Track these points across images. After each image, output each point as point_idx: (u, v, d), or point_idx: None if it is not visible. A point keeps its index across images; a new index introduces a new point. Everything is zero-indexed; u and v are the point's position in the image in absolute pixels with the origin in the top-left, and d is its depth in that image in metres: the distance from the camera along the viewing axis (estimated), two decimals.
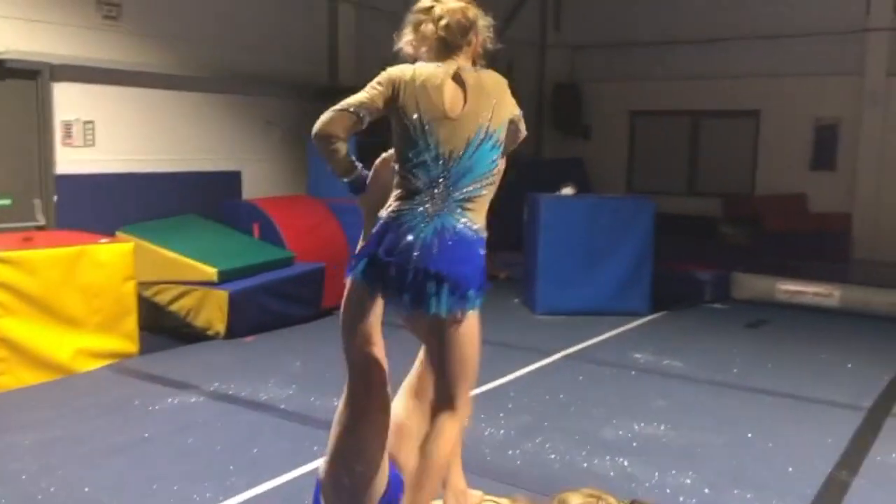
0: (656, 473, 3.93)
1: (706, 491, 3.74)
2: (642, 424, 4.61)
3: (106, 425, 4.41)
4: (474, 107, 2.37)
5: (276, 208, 7.62)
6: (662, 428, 4.56)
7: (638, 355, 6.25)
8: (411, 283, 2.28)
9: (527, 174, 10.26)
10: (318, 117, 2.35)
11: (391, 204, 2.34)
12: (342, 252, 7.81)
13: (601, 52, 12.34)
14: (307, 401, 4.91)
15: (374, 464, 2.38)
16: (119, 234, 6.51)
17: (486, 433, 4.33)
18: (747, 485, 3.80)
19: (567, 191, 7.72)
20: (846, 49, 10.58)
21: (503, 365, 5.73)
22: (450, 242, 2.31)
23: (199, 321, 6.38)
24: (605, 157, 12.43)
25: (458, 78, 2.38)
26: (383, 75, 2.38)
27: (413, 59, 2.46)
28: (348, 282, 2.45)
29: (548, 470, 3.95)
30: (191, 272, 6.36)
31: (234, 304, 6.24)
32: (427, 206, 2.32)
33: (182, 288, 6.43)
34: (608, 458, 4.11)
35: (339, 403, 2.51)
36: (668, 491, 3.73)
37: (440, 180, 2.33)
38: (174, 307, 6.48)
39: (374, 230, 2.35)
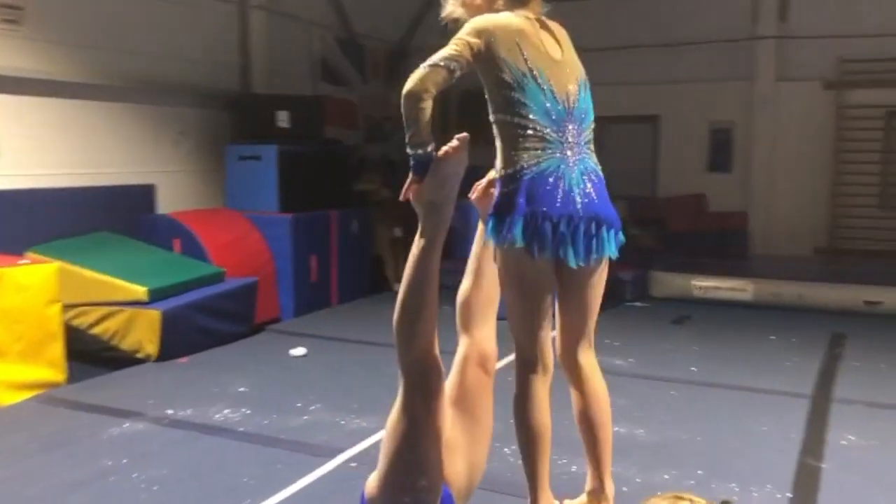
0: (638, 472, 3.97)
1: (692, 483, 3.82)
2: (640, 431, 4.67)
3: (55, 461, 4.06)
4: (569, 52, 2.37)
5: (197, 222, 7.28)
6: (632, 427, 4.63)
7: None
8: (585, 233, 2.20)
9: None
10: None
11: (519, 158, 2.20)
12: (267, 265, 7.56)
13: None
14: (265, 422, 4.69)
15: (437, 477, 2.26)
16: (29, 254, 6.03)
17: None
18: (728, 477, 3.90)
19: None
20: (737, 56, 11.15)
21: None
22: (598, 185, 2.28)
23: (127, 344, 5.99)
24: None
25: (544, 25, 2.35)
26: (469, 28, 2.26)
27: (467, 18, 2.37)
28: (498, 255, 2.31)
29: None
30: (117, 292, 5.97)
31: (167, 323, 5.90)
32: (567, 151, 2.23)
33: (105, 310, 6.02)
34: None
35: (392, 416, 2.36)
36: (655, 490, 3.78)
37: (567, 124, 2.25)
38: (96, 330, 6.05)
39: (505, 189, 2.22)
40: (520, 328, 2.32)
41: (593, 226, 2.23)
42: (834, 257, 10.54)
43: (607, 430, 2.38)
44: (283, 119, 8.13)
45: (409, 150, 2.22)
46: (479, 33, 2.22)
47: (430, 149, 2.20)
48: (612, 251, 2.30)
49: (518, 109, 2.21)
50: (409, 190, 2.25)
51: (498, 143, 2.28)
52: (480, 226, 2.59)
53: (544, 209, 2.16)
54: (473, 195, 2.56)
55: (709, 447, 4.34)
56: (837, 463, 4.09)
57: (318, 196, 8.08)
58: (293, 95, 8.80)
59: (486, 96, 2.30)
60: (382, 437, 2.35)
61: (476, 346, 2.58)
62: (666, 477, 3.93)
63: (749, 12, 11.04)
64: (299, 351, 6.21)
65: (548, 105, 2.22)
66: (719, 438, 4.47)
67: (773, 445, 4.33)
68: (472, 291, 2.59)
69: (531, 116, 2.20)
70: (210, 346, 6.30)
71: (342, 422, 4.67)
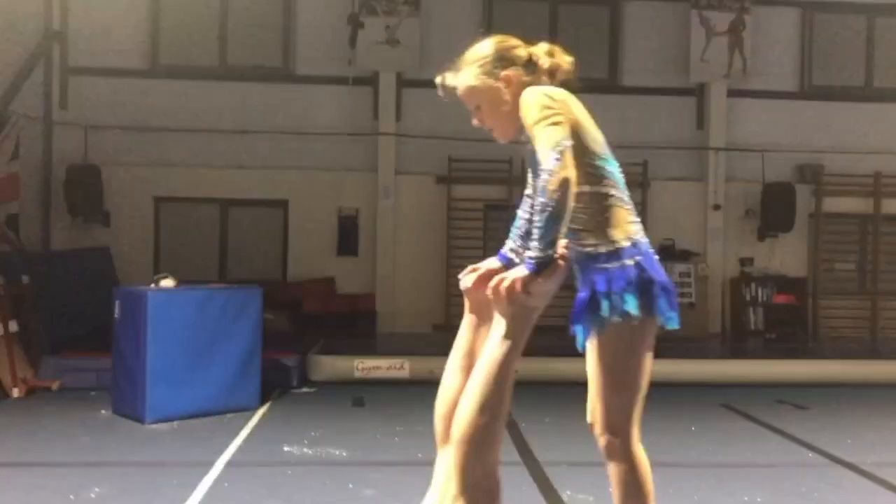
0: None
1: None
2: None
3: None
4: None
5: None
6: None
7: (291, 449, 6.07)
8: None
9: (45, 269, 9.13)
10: None
11: (629, 229, 2.11)
12: None
13: (120, 134, 11.58)
14: None
15: None
16: None
17: None
18: None
19: (167, 282, 7.11)
20: (360, 148, 11.95)
21: (171, 490, 5.01)
22: None
23: None
24: (128, 245, 11.60)
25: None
26: (552, 99, 2.12)
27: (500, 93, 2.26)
28: (624, 332, 2.10)
29: None
30: None
31: None
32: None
33: None
34: None
35: None
36: None
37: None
38: None
39: (632, 262, 2.08)
40: (626, 407, 2.27)
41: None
42: (450, 332, 11.66)
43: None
44: None
45: (543, 246, 2.06)
46: (564, 104, 2.18)
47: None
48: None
49: (610, 179, 2.21)
50: (518, 285, 2.08)
51: (587, 216, 2.20)
52: (469, 318, 2.46)
53: (663, 280, 2.23)
54: (468, 283, 2.39)
55: None
56: None
57: None
58: None
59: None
60: None
61: None
62: None
63: (370, 110, 11.96)
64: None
65: (620, 175, 2.28)
66: None
67: None
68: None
69: (623, 188, 2.23)
70: None
71: None
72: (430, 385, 8.27)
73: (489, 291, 2.21)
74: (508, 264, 2.49)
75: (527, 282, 2.11)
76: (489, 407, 2.09)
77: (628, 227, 2.25)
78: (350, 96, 11.97)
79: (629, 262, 2.23)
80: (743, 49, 11.92)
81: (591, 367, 2.38)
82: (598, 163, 2.22)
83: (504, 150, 11.88)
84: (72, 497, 4.79)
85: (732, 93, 11.91)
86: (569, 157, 2.12)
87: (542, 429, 6.79)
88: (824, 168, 12.08)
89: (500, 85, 2.30)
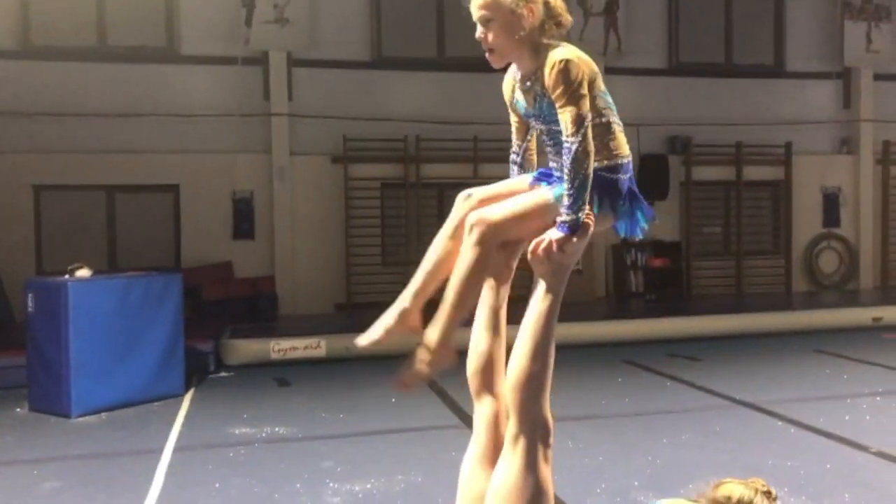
0: None
1: None
2: (355, 486, 4.76)
3: None
4: None
5: None
6: (364, 483, 4.79)
7: (234, 430, 6.12)
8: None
9: None
10: None
11: (626, 149, 2.41)
12: None
13: None
14: None
15: None
16: None
17: None
18: None
19: (82, 273, 6.90)
20: (252, 130, 11.80)
21: (130, 479, 5.00)
22: None
23: None
24: (5, 235, 10.99)
25: None
26: (579, 68, 2.32)
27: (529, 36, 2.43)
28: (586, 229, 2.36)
29: None
30: None
31: None
32: None
33: None
34: None
35: (513, 476, 2.26)
36: None
37: None
38: None
39: (612, 175, 2.35)
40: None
41: None
42: (352, 311, 11.83)
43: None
44: None
45: (574, 211, 2.28)
46: (588, 66, 2.38)
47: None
48: None
49: (610, 108, 2.46)
50: (555, 246, 2.29)
51: (597, 141, 2.40)
52: (489, 281, 2.67)
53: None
54: (533, 254, 2.53)
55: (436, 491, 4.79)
56: None
57: None
58: None
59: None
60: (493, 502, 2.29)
61: (503, 401, 2.62)
62: None
63: (261, 90, 11.82)
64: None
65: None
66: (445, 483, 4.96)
67: None
68: (496, 344, 2.64)
69: (616, 113, 2.48)
70: None
71: None
72: (348, 362, 8.55)
73: (529, 254, 2.45)
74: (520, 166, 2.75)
75: (562, 243, 2.36)
76: (541, 354, 2.35)
77: (625, 147, 2.52)
78: (239, 77, 11.78)
79: (623, 177, 2.48)
80: (617, 28, 12.64)
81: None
82: (603, 96, 2.46)
83: (399, 128, 12.10)
84: (26, 493, 4.69)
85: (609, 70, 12.53)
86: (590, 132, 2.37)
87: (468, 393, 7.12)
88: (692, 140, 13.05)
89: (525, 12, 2.43)
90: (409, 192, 12.21)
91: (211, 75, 11.70)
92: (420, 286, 2.62)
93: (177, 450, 5.59)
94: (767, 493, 2.37)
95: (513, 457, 2.31)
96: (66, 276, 6.80)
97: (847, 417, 6.10)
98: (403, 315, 2.58)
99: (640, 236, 2.65)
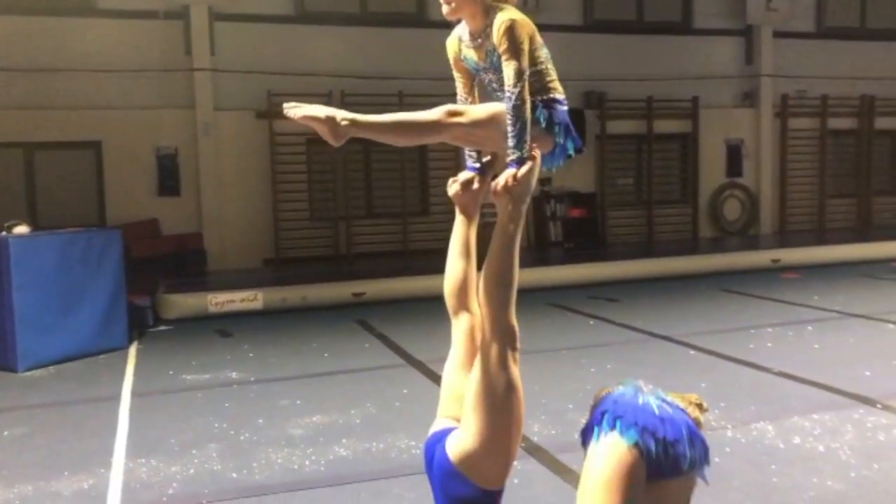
0: (375, 443, 4.61)
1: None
2: (314, 418, 5.10)
3: None
4: None
5: None
6: (322, 416, 5.15)
7: (188, 376, 6.35)
8: None
9: None
10: None
11: (555, 89, 2.68)
12: None
13: None
14: None
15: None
16: None
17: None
18: None
19: (20, 229, 6.91)
20: (175, 85, 11.70)
21: (95, 422, 5.21)
22: None
23: None
24: None
25: None
26: (522, 28, 2.62)
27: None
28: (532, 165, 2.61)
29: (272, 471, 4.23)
30: None
31: None
32: None
33: None
34: (343, 441, 4.57)
35: (486, 376, 2.62)
36: (393, 455, 4.50)
37: None
38: None
39: (552, 105, 2.64)
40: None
41: None
42: (281, 265, 12.02)
43: None
44: None
45: (520, 149, 2.63)
46: (528, 25, 2.70)
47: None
48: None
49: (546, 59, 2.79)
50: (511, 181, 2.64)
51: (538, 85, 2.73)
52: (459, 218, 3.03)
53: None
54: (452, 189, 2.95)
55: (400, 418, 5.19)
56: None
57: None
58: None
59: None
60: (471, 397, 2.67)
61: (477, 317, 3.00)
62: (401, 443, 4.66)
63: (183, 45, 11.71)
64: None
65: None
66: (418, 410, 5.35)
67: None
68: (469, 269, 3.01)
69: (552, 62, 2.80)
70: None
71: None
72: (284, 314, 8.81)
73: (493, 194, 2.82)
74: (479, 171, 3.09)
75: (515, 175, 2.76)
76: (507, 273, 2.74)
77: (561, 89, 2.89)
78: (160, 31, 11.62)
79: (561, 108, 2.86)
80: None
81: None
82: (541, 48, 2.83)
83: (323, 83, 12.18)
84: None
85: None
86: (527, 84, 2.76)
87: (408, 336, 7.51)
88: (607, 94, 13.62)
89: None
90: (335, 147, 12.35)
91: (131, 29, 11.49)
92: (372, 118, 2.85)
93: (134, 395, 5.81)
94: (699, 405, 2.85)
95: (487, 359, 2.70)
96: (4, 233, 6.80)
97: (751, 345, 6.78)
98: (330, 119, 2.66)
99: (558, 165, 3.04)
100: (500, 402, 2.60)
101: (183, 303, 9.01)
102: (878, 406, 4.95)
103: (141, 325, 8.39)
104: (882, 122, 15.42)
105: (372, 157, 12.84)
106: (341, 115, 2.68)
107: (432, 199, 13.00)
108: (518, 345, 2.75)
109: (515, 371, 2.70)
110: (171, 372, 6.50)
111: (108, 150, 11.59)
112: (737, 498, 3.70)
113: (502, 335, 2.70)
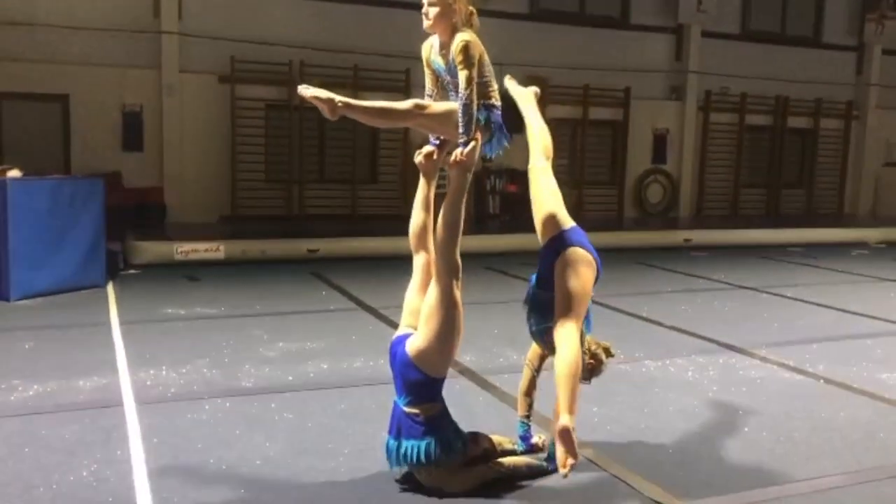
0: (339, 363, 5.63)
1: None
2: (284, 344, 6.08)
3: None
4: None
5: None
6: (291, 343, 6.13)
7: (168, 310, 7.23)
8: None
9: None
10: None
11: (494, 96, 3.62)
12: None
13: None
14: None
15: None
16: None
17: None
18: None
19: (13, 173, 7.63)
20: (143, 45, 12.33)
21: (94, 339, 6.08)
22: None
23: None
24: None
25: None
26: (475, 46, 3.54)
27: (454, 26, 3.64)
28: (475, 146, 3.58)
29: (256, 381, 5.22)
30: None
31: None
32: None
33: None
34: (310, 362, 5.57)
35: (439, 294, 3.63)
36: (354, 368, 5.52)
37: None
38: None
39: (491, 109, 3.59)
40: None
41: None
42: (236, 222, 12.82)
43: None
44: None
45: (466, 133, 3.62)
46: (478, 46, 3.66)
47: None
48: None
49: (489, 73, 3.74)
50: (460, 157, 3.64)
51: (480, 93, 3.69)
52: (423, 180, 4.04)
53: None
54: (418, 159, 3.97)
55: (359, 352, 6.20)
56: None
57: None
58: None
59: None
60: (425, 310, 3.69)
61: (432, 255, 4.02)
62: (358, 365, 5.67)
63: (151, 6, 12.33)
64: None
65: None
66: (370, 346, 6.36)
67: None
68: (427, 218, 4.03)
69: (493, 75, 3.77)
70: None
71: None
72: (245, 264, 9.70)
73: (448, 164, 3.83)
74: (439, 145, 4.08)
75: (463, 152, 3.77)
76: (454, 221, 3.76)
77: (498, 97, 3.89)
78: None
79: (497, 112, 3.84)
80: None
81: None
82: (487, 65, 3.81)
83: (285, 53, 13.01)
84: (8, 353, 5.69)
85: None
86: (475, 88, 3.75)
87: (360, 287, 8.51)
88: (548, 80, 14.71)
89: (459, 8, 3.74)
90: (293, 113, 13.18)
91: None
92: (361, 103, 3.79)
93: (123, 323, 6.67)
94: (607, 350, 3.96)
95: (437, 285, 3.75)
96: (12, 177, 7.52)
97: (648, 307, 7.99)
98: (330, 101, 3.65)
99: (496, 154, 4.07)
100: (446, 315, 3.69)
101: (151, 249, 9.81)
102: (741, 353, 6.19)
103: (113, 268, 9.16)
104: (794, 122, 16.98)
105: (326, 126, 13.65)
106: (339, 98, 3.68)
107: (381, 169, 13.95)
108: (461, 275, 3.81)
109: (458, 295, 3.77)
110: (150, 306, 7.37)
111: (74, 104, 12.19)
112: (620, 408, 4.84)
113: (450, 267, 3.77)
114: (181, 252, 9.89)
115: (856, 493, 3.72)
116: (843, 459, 4.10)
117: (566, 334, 3.55)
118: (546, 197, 4.09)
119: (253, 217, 12.97)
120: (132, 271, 9.37)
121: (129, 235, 10.08)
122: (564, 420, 3.34)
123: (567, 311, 3.61)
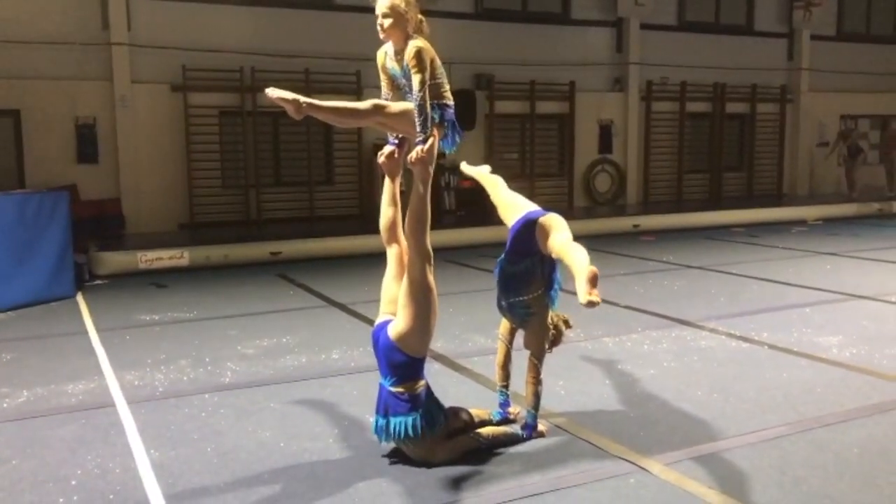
0: (314, 356, 5.91)
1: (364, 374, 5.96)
2: (260, 342, 6.33)
3: None
4: None
5: None
6: (266, 341, 6.38)
7: (141, 317, 7.40)
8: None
9: None
10: None
11: (447, 96, 3.91)
12: None
13: None
14: None
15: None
16: None
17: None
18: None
19: None
20: (93, 58, 12.35)
21: (74, 347, 6.25)
22: None
23: None
24: None
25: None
26: (427, 52, 3.84)
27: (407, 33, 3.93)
28: (433, 142, 3.88)
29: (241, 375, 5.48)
30: None
31: None
32: None
33: None
34: (287, 357, 5.83)
35: (413, 281, 3.95)
36: (330, 358, 5.81)
37: None
38: None
39: (444, 109, 3.93)
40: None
41: None
42: (195, 229, 12.93)
43: None
44: None
45: (423, 131, 3.91)
46: (430, 51, 3.97)
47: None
48: None
49: (442, 77, 4.04)
50: (420, 154, 3.94)
51: (432, 95, 3.99)
52: (387, 179, 4.35)
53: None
54: (381, 159, 4.27)
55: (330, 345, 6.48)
56: None
57: None
58: None
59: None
60: (402, 297, 4.01)
61: (403, 245, 4.33)
62: (335, 357, 5.96)
63: (99, 19, 12.37)
64: None
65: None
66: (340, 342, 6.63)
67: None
68: (396, 213, 4.33)
69: (445, 78, 4.07)
70: None
71: None
72: (208, 270, 9.89)
73: (411, 161, 4.15)
74: (398, 144, 4.39)
75: (422, 149, 4.09)
76: (422, 213, 4.09)
77: (450, 97, 4.20)
78: (77, 5, 12.22)
79: (450, 111, 4.16)
80: None
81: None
82: (439, 68, 4.12)
83: (235, 59, 13.16)
84: None
85: (423, 13, 14.22)
86: (427, 90, 4.06)
87: (326, 286, 8.77)
88: (495, 77, 15.11)
89: (410, 17, 4.04)
90: (246, 119, 13.33)
91: (48, 3, 12.05)
92: (324, 103, 4.06)
93: (99, 331, 6.84)
94: (566, 321, 4.33)
95: (411, 272, 4.07)
96: None
97: (606, 287, 8.40)
98: (296, 101, 3.87)
99: (454, 150, 4.41)
100: (422, 299, 4.02)
101: (114, 260, 9.92)
102: (692, 326, 6.63)
103: (79, 279, 9.26)
104: (732, 107, 17.67)
105: (280, 130, 13.87)
106: (303, 99, 3.97)
107: (336, 170, 14.18)
108: (432, 262, 4.13)
109: (430, 279, 4.11)
110: (124, 313, 7.53)
111: (26, 119, 12.16)
112: (585, 381, 5.22)
113: (421, 255, 4.10)
114: (145, 261, 10.02)
115: (795, 439, 4.15)
116: (785, 413, 4.54)
117: (575, 245, 4.20)
118: (512, 196, 4.58)
119: (211, 223, 13.10)
120: (98, 282, 9.48)
121: (91, 247, 10.15)
122: (592, 268, 3.95)
123: (566, 236, 4.12)
